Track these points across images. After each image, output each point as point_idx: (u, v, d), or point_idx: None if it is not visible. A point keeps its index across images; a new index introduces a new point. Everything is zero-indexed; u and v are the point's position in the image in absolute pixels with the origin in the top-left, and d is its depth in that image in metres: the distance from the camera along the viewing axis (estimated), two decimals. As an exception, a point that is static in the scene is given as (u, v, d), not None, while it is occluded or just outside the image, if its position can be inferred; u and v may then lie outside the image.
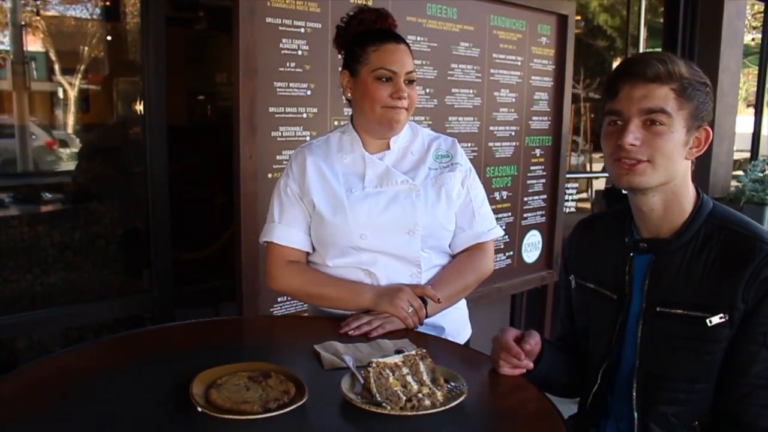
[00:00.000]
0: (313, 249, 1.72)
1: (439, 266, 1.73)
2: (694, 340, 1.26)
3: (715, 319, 1.24)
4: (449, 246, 1.76)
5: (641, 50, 5.28)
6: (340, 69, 1.72)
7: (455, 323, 1.80)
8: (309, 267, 1.72)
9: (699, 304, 1.26)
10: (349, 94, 1.69)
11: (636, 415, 1.34)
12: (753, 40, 7.92)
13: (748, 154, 6.60)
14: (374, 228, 1.62)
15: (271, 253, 1.71)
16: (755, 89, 6.60)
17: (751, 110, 7.03)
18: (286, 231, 1.68)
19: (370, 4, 2.48)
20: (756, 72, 6.57)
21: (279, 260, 1.69)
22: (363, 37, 1.65)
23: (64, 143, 4.11)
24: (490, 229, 1.79)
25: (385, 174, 1.67)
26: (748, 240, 1.26)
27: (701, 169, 5.34)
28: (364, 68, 1.62)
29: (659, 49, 5.24)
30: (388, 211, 1.63)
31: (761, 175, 5.20)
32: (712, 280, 1.26)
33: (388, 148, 1.70)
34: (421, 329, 1.61)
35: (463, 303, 1.85)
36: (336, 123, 2.42)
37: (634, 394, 1.34)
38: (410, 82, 1.63)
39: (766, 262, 1.22)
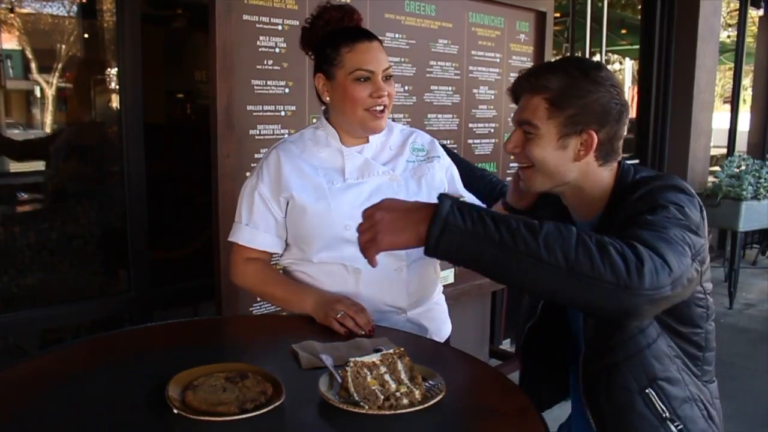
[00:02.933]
0: (287, 246, 1.72)
1: (427, 260, 1.69)
2: None
3: None
4: None
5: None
6: (313, 72, 1.68)
7: (435, 321, 1.80)
8: (266, 266, 1.73)
9: None
10: (327, 98, 1.66)
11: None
12: (728, 37, 8.03)
13: (724, 150, 6.69)
14: (358, 218, 1.60)
15: (234, 252, 1.72)
16: (731, 86, 6.68)
17: (728, 107, 7.12)
18: (250, 233, 1.67)
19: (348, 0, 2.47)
20: (732, 69, 6.65)
21: (239, 257, 1.72)
22: (333, 39, 1.62)
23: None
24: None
25: (365, 166, 1.66)
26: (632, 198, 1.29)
27: (679, 165, 5.41)
28: (340, 71, 1.60)
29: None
30: (371, 201, 1.60)
31: (737, 170, 5.28)
32: None
33: (367, 141, 1.70)
34: (404, 328, 1.61)
35: (442, 299, 1.86)
36: (314, 121, 2.41)
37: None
38: (388, 78, 1.62)
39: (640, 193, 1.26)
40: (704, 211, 1.27)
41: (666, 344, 1.30)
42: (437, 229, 1.06)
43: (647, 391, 1.28)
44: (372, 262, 1.19)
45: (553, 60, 1.42)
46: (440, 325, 1.82)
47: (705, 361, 1.35)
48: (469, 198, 1.83)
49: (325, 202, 1.61)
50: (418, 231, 1.09)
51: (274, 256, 1.76)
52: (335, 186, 1.63)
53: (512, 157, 1.38)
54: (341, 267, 1.64)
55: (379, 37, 1.67)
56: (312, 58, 1.71)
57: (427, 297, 1.77)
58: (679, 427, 1.28)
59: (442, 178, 1.75)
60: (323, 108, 1.73)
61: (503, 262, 1.04)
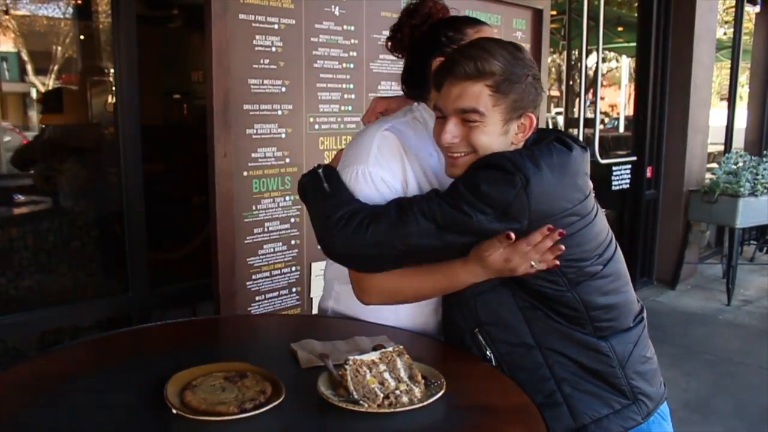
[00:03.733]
0: None
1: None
2: None
3: None
4: None
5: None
6: (422, 56, 1.53)
7: None
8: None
9: None
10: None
11: None
12: (725, 34, 8.04)
13: (722, 147, 6.69)
14: None
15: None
16: (728, 83, 6.69)
17: (725, 103, 7.13)
18: None
19: None
20: (728, 66, 6.66)
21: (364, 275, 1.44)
22: (454, 23, 1.54)
23: (37, 143, 4.05)
24: None
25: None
26: None
27: (676, 162, 5.42)
28: None
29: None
30: None
31: (735, 167, 5.28)
32: None
33: None
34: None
35: None
36: (311, 120, 2.41)
37: None
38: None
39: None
40: (532, 189, 1.24)
41: (509, 296, 1.37)
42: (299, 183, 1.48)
43: (475, 331, 1.40)
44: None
45: (495, 47, 1.30)
46: None
47: (593, 318, 1.35)
48: None
49: None
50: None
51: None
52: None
53: (444, 146, 1.33)
54: None
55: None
56: (398, 56, 1.63)
57: None
58: (496, 367, 1.38)
59: None
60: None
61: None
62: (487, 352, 1.39)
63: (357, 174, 1.43)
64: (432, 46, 1.51)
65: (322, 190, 1.39)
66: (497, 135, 1.31)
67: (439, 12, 1.61)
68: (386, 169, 1.43)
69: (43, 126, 4.00)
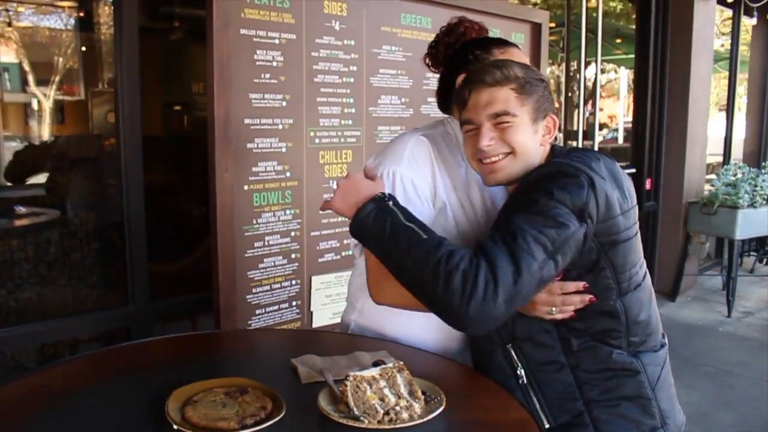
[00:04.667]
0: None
1: None
2: None
3: None
4: None
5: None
6: (449, 75, 1.58)
7: None
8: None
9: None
10: None
11: None
12: (722, 45, 8.08)
13: (720, 158, 6.71)
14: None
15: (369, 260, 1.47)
16: (726, 94, 6.72)
17: (723, 114, 7.15)
18: None
19: (344, 14, 2.49)
20: (726, 77, 6.69)
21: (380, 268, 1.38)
22: (483, 43, 1.56)
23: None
24: None
25: (466, 184, 1.55)
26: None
27: (675, 174, 5.43)
28: None
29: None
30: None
31: (733, 178, 5.29)
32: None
33: None
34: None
35: None
36: (312, 134, 2.42)
37: None
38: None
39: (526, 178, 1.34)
40: (597, 187, 1.26)
41: None
42: (355, 226, 1.32)
43: (508, 346, 1.39)
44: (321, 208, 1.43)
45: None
46: None
47: (631, 331, 1.35)
48: None
49: (476, 222, 1.52)
50: (350, 212, 1.34)
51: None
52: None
53: (484, 151, 1.34)
54: None
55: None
56: (435, 71, 1.67)
57: None
58: (526, 384, 1.38)
59: None
60: None
61: (383, 261, 1.29)
62: (518, 370, 1.39)
63: (389, 174, 1.47)
64: (460, 63, 1.56)
65: (412, 233, 1.25)
66: (530, 134, 1.36)
67: (475, 32, 1.66)
68: (417, 174, 1.48)
69: (42, 136, 4.01)
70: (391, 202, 1.31)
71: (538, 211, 1.23)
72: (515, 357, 1.39)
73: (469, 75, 1.39)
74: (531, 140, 1.36)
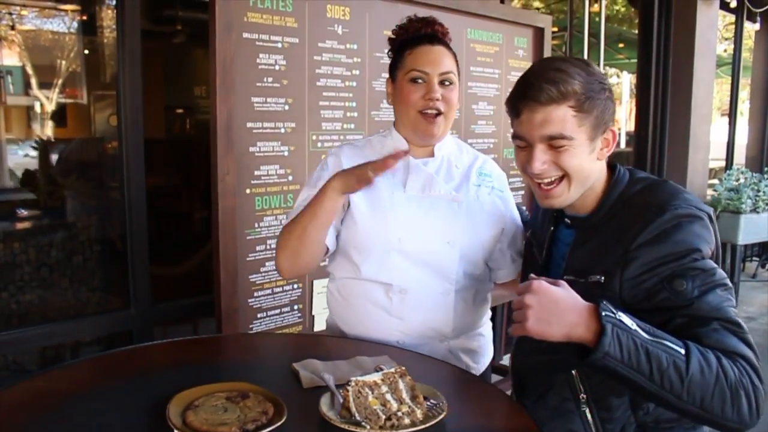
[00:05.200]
0: (333, 258, 1.68)
1: (475, 287, 1.68)
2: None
3: (594, 279, 1.28)
4: (497, 275, 1.74)
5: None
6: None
7: (476, 353, 1.74)
8: None
9: (582, 271, 1.31)
10: (390, 101, 1.67)
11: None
12: (725, 51, 8.07)
13: (723, 163, 6.70)
14: (413, 231, 1.58)
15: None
16: (728, 98, 6.71)
17: (725, 119, 7.15)
18: None
19: (347, 18, 2.49)
20: (729, 82, 6.69)
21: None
22: (402, 43, 1.62)
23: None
24: None
25: (428, 182, 1.61)
26: (637, 210, 1.29)
27: (677, 179, 5.42)
28: (400, 72, 1.60)
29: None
30: (428, 217, 1.59)
31: (736, 183, 5.28)
32: (601, 248, 1.31)
33: (432, 155, 1.67)
34: (444, 358, 1.59)
35: (488, 327, 1.81)
36: (314, 138, 2.42)
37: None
38: (446, 83, 1.58)
39: (642, 229, 1.24)
40: (713, 219, 1.28)
41: None
42: (597, 359, 1.11)
43: (573, 372, 1.33)
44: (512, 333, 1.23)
45: (540, 64, 1.34)
46: (479, 358, 1.75)
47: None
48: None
49: (383, 212, 1.58)
50: (570, 333, 1.15)
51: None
52: (395, 196, 1.60)
53: (536, 173, 1.29)
54: (386, 287, 1.60)
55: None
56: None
57: (473, 325, 1.72)
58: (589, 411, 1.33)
59: (511, 216, 1.71)
60: (393, 121, 1.71)
61: (647, 391, 1.13)
62: (581, 394, 1.33)
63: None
64: (389, 67, 1.65)
65: (664, 350, 1.12)
66: (586, 155, 1.29)
67: (418, 30, 1.66)
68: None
69: (44, 140, 4.01)
70: (615, 313, 1.14)
71: (714, 283, 1.19)
72: (579, 382, 1.33)
73: (522, 87, 1.29)
74: (586, 161, 1.30)
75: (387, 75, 1.68)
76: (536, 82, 1.26)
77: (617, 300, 1.23)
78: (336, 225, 1.62)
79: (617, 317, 1.12)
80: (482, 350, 1.76)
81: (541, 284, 1.18)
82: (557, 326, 1.15)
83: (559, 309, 1.16)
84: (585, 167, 1.30)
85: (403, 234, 1.57)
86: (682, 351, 1.11)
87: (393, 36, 1.68)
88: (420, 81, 1.57)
